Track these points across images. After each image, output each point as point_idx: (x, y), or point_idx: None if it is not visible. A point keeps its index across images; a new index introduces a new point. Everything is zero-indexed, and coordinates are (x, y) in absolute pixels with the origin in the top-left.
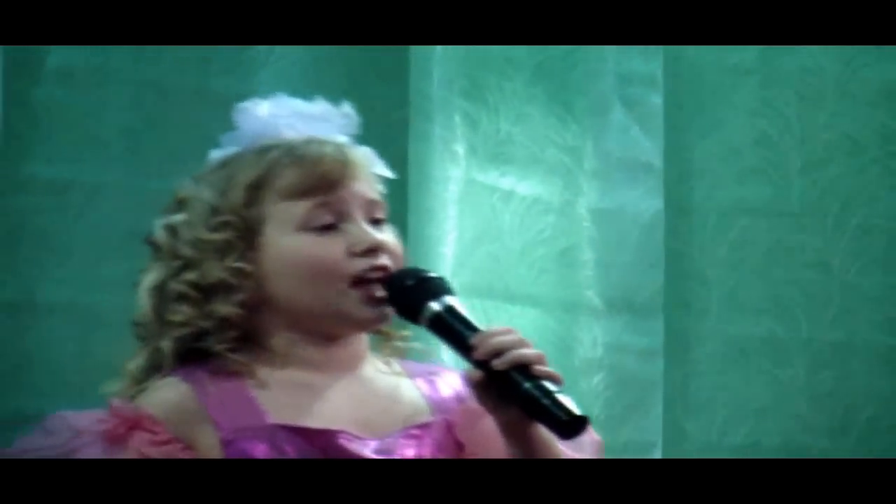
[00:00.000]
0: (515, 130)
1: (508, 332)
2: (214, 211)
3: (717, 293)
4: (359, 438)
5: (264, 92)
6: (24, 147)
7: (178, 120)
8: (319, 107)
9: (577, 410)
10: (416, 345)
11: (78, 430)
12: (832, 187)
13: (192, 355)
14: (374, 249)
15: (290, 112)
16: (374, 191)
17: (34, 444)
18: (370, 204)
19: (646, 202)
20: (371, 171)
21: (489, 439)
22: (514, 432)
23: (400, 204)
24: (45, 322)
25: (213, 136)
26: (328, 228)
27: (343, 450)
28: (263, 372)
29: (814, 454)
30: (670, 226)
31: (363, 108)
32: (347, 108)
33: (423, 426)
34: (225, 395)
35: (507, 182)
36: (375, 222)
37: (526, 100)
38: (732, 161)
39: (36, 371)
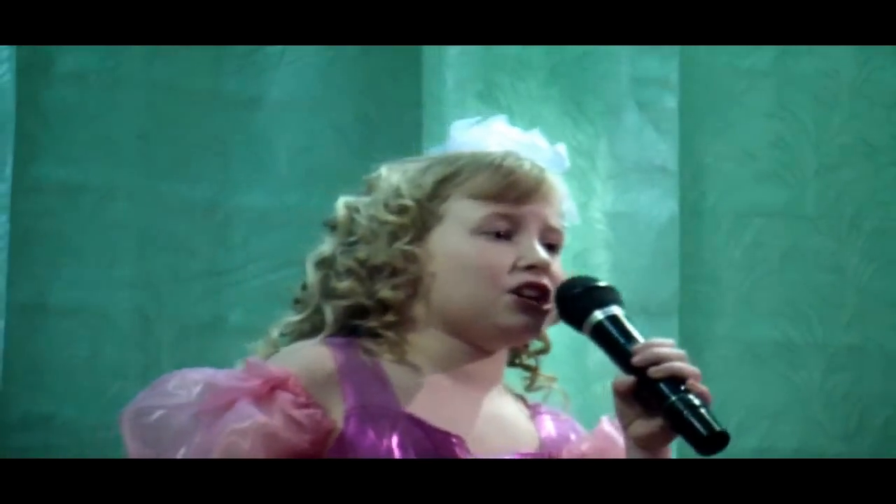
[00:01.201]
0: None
1: (671, 344)
2: (397, 194)
3: (732, 296)
4: (468, 452)
5: (276, 94)
6: (36, 149)
7: (190, 121)
8: (533, 136)
9: (718, 427)
10: (558, 386)
11: (220, 387)
12: (847, 190)
13: (342, 332)
14: (540, 267)
15: (504, 134)
16: (558, 220)
17: (169, 400)
18: (549, 229)
19: (660, 205)
20: (562, 200)
21: None
22: (648, 446)
23: None
24: (56, 323)
25: (226, 138)
26: (501, 237)
27: (454, 456)
28: (406, 361)
29: (829, 458)
30: (685, 228)
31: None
32: (561, 146)
33: (529, 455)
34: (362, 369)
35: None
36: (549, 248)
37: (540, 102)
38: (747, 164)
39: (47, 372)
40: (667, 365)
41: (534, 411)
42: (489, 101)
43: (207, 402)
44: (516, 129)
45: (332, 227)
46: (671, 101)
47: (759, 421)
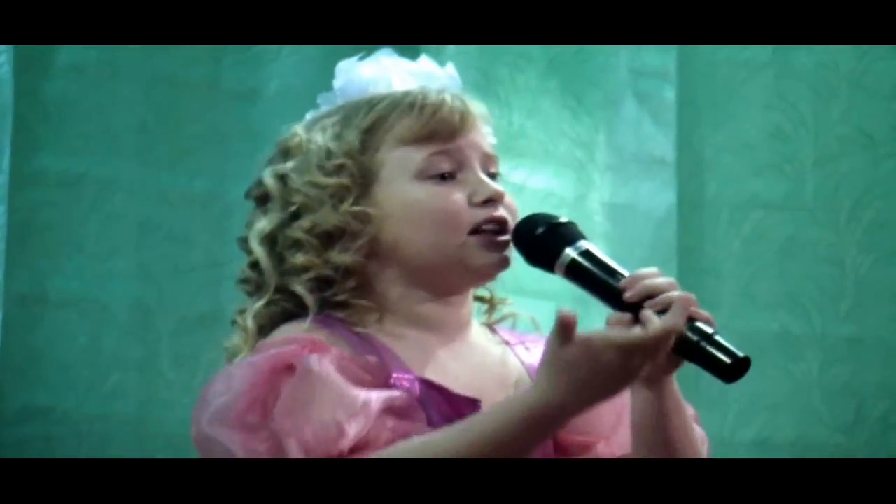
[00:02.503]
0: (528, 124)
1: (658, 273)
2: (328, 155)
3: (731, 288)
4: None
5: (275, 86)
6: (35, 141)
7: (189, 114)
8: (425, 65)
9: (739, 353)
10: (524, 313)
11: (262, 369)
12: (846, 181)
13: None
14: (494, 200)
15: (398, 68)
16: (490, 144)
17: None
18: (486, 156)
19: (659, 196)
20: (487, 123)
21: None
22: (653, 380)
23: None
24: (55, 315)
25: (225, 130)
26: (446, 177)
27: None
28: (386, 326)
29: (827, 449)
30: (683, 220)
31: None
32: (451, 67)
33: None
34: (364, 344)
35: (519, 175)
36: (491, 176)
37: (538, 93)
38: (746, 155)
39: (47, 364)
40: (664, 296)
41: (509, 340)
42: (488, 93)
43: (264, 383)
44: (404, 59)
45: (262, 199)
46: (670, 93)
47: (758, 412)
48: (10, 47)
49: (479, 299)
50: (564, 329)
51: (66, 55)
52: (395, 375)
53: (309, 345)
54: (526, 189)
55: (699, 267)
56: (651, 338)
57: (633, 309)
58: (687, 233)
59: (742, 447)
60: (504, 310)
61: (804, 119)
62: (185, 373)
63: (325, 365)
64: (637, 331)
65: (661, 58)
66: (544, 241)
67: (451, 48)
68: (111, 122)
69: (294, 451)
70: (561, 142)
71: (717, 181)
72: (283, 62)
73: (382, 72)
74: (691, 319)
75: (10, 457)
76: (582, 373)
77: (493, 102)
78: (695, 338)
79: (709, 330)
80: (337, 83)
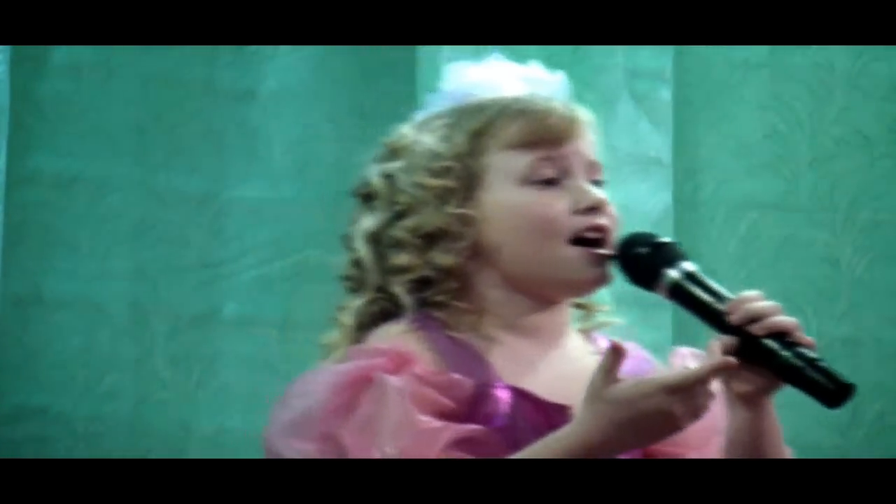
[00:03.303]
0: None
1: (762, 297)
2: (436, 157)
3: (726, 287)
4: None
5: (271, 85)
6: (30, 141)
7: (184, 113)
8: (535, 70)
9: (843, 379)
10: (616, 320)
11: (346, 377)
12: (842, 182)
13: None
14: (597, 208)
15: (508, 72)
16: (595, 153)
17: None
18: (591, 165)
19: (654, 197)
20: (594, 132)
21: None
22: (753, 401)
23: None
24: (50, 316)
25: (220, 130)
26: (550, 183)
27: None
28: (482, 329)
29: (823, 449)
30: (679, 220)
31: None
32: (561, 74)
33: None
34: (454, 348)
35: None
36: (595, 184)
37: None
38: (742, 155)
39: (41, 364)
40: (769, 321)
41: (598, 347)
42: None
43: (341, 394)
44: (514, 64)
45: (367, 198)
46: (666, 93)
47: None
48: (6, 47)
49: (577, 305)
50: (612, 363)
51: (62, 55)
52: (483, 385)
53: (395, 359)
54: None
55: None
56: (693, 377)
57: (737, 332)
58: (683, 233)
59: None
60: (601, 317)
61: (800, 119)
62: (179, 373)
63: (400, 387)
64: (681, 371)
65: (657, 58)
66: (647, 261)
67: (447, 48)
68: (106, 122)
69: None
70: None
71: (713, 181)
72: (279, 62)
73: (492, 76)
74: (795, 344)
75: (5, 457)
76: (627, 414)
77: None
78: (798, 363)
79: (812, 355)
80: (446, 86)
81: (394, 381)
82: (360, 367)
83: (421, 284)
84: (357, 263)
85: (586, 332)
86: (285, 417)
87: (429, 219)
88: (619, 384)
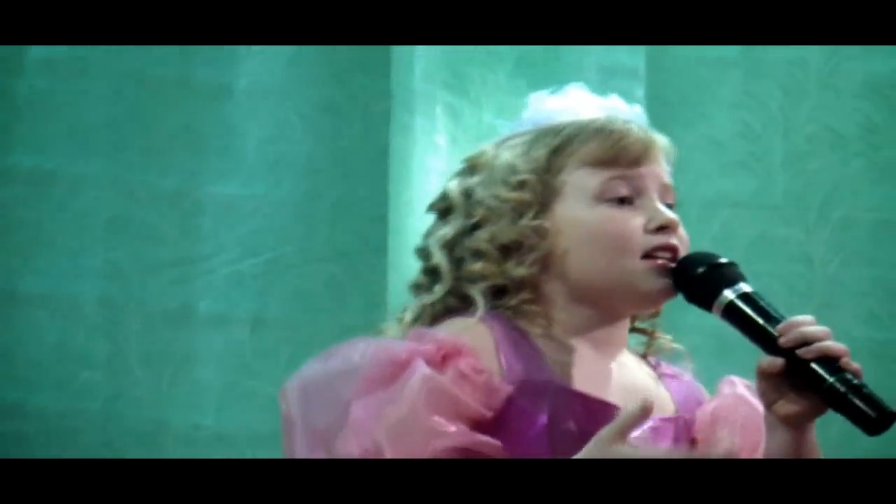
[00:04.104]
0: (498, 122)
1: (814, 321)
2: (514, 171)
3: None
4: None
5: (245, 83)
6: (5, 138)
7: (159, 111)
8: (614, 101)
9: (887, 407)
10: (678, 346)
11: (392, 351)
12: (815, 180)
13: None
14: (669, 227)
15: (588, 101)
16: (669, 177)
17: (337, 366)
18: (665, 187)
19: None
20: (669, 158)
21: (722, 442)
22: (796, 424)
23: (381, 195)
24: (25, 312)
25: (195, 127)
26: (623, 202)
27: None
28: (548, 332)
29: None
30: None
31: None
32: (639, 107)
33: (669, 420)
34: (517, 344)
35: None
36: (667, 206)
37: (508, 92)
38: (715, 153)
39: (16, 360)
40: (818, 345)
41: (658, 371)
42: (458, 91)
43: (377, 367)
44: (594, 95)
45: (444, 212)
46: (639, 91)
47: None
48: None
49: (640, 331)
50: (629, 422)
51: (37, 52)
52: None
53: (446, 349)
54: None
55: None
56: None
57: (786, 354)
58: None
59: None
60: (663, 343)
61: (773, 117)
62: (153, 370)
63: (423, 381)
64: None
65: (630, 56)
66: (704, 280)
67: (420, 47)
68: (81, 119)
69: (342, 446)
70: None
71: (685, 179)
72: (253, 60)
73: (572, 104)
74: (841, 370)
75: None
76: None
77: (464, 101)
78: (843, 388)
79: (857, 381)
80: (527, 113)
81: (421, 373)
82: (407, 348)
83: (494, 294)
84: (431, 271)
85: (643, 355)
86: (313, 374)
87: (504, 230)
88: (625, 444)
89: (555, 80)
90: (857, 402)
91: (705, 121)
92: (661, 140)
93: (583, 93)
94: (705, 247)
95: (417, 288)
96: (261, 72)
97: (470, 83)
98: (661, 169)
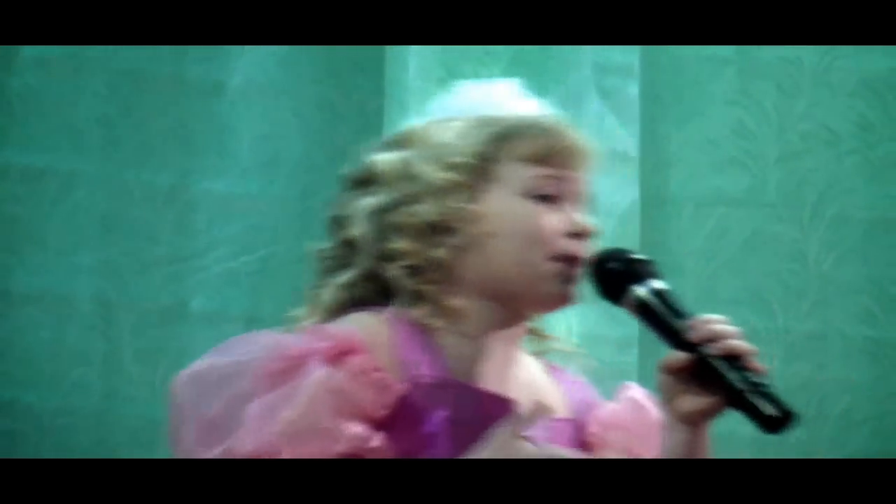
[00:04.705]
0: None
1: (725, 321)
2: (452, 150)
3: (693, 283)
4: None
5: (239, 80)
6: None
7: (153, 108)
8: (536, 104)
9: (786, 406)
10: (566, 348)
11: (288, 347)
12: (809, 178)
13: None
14: (585, 235)
15: (511, 94)
16: (588, 190)
17: (231, 360)
18: (584, 195)
19: (622, 192)
20: (592, 171)
21: (615, 447)
22: (693, 422)
23: None
24: (18, 310)
25: (189, 124)
26: (548, 200)
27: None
28: (451, 326)
29: (787, 445)
30: (646, 216)
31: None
32: (551, 105)
33: (565, 420)
34: (417, 342)
35: None
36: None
37: None
38: (709, 151)
39: (9, 358)
40: (725, 343)
41: (551, 372)
42: (452, 89)
43: (272, 363)
44: (519, 91)
45: (363, 182)
46: (633, 89)
47: None
48: None
49: (535, 332)
50: (524, 423)
51: (30, 49)
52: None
53: (340, 346)
54: None
55: (662, 262)
56: None
57: (693, 351)
58: (650, 228)
59: None
60: (551, 344)
61: (767, 115)
62: (147, 367)
63: (319, 383)
64: None
65: (624, 54)
66: (618, 276)
67: (414, 47)
68: (75, 116)
69: (238, 445)
70: None
71: (680, 177)
72: (247, 57)
73: (496, 94)
74: (746, 368)
75: None
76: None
77: None
78: (744, 387)
79: (759, 380)
80: (451, 100)
81: (317, 373)
82: (302, 346)
83: (409, 273)
84: (349, 244)
85: (534, 354)
86: (205, 367)
87: (431, 209)
88: (525, 442)
89: (549, 77)
90: (758, 400)
91: (700, 118)
92: (593, 147)
93: (512, 88)
94: (700, 245)
95: (329, 259)
96: (255, 69)
97: (464, 80)
98: (585, 177)
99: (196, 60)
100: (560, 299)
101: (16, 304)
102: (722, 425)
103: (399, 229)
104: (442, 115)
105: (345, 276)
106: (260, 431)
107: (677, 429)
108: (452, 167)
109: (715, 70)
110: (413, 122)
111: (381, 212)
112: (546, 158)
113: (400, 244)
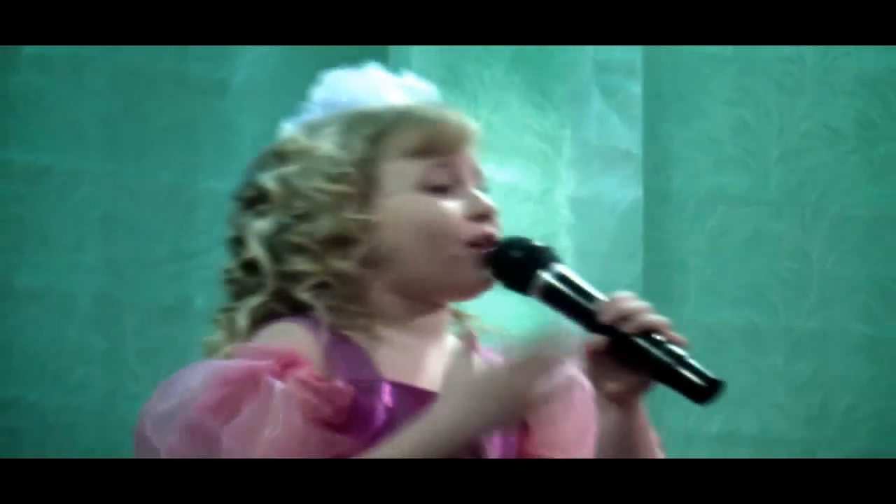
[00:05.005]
0: (494, 118)
1: (634, 298)
2: (334, 162)
3: (696, 282)
4: None
5: (241, 78)
6: (0, 133)
7: (155, 106)
8: (409, 80)
9: (712, 375)
10: (489, 327)
11: (231, 375)
12: (810, 176)
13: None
14: (488, 216)
15: (385, 81)
16: (479, 162)
17: (176, 401)
18: (477, 173)
19: (624, 190)
20: (479, 143)
21: (557, 429)
22: (624, 401)
23: None
24: (21, 308)
25: (191, 122)
26: (443, 190)
27: None
28: (370, 330)
29: (791, 443)
30: (649, 214)
31: None
32: (433, 86)
33: None
34: (340, 347)
35: (485, 170)
36: (480, 191)
37: (504, 87)
38: (711, 149)
39: (12, 356)
40: (640, 319)
41: (481, 353)
42: (454, 87)
43: (219, 391)
44: (389, 74)
45: (255, 201)
46: (636, 87)
47: (722, 406)
48: None
49: (454, 314)
50: (466, 350)
51: (32, 47)
52: (364, 383)
53: (282, 360)
54: (492, 183)
55: (664, 261)
56: (531, 350)
57: (609, 332)
58: (652, 226)
59: (706, 441)
60: (477, 325)
61: (769, 114)
62: (150, 365)
63: (288, 394)
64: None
65: (626, 52)
66: (520, 264)
67: (416, 47)
68: (77, 114)
69: None
70: (527, 136)
71: (682, 175)
72: (249, 55)
73: (371, 83)
74: (665, 342)
75: None
76: (480, 391)
77: (460, 97)
78: (668, 360)
79: (681, 352)
80: (323, 92)
81: (281, 387)
82: (247, 367)
83: (317, 289)
84: (249, 266)
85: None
86: (160, 407)
87: (327, 224)
88: (472, 370)
89: (551, 76)
90: (684, 371)
91: (701, 117)
92: (472, 125)
93: (379, 72)
94: (702, 243)
95: (233, 283)
96: (257, 67)
97: (466, 79)
98: (474, 154)
99: (198, 59)
100: (480, 285)
101: (18, 302)
102: (723, 424)
103: (297, 250)
104: (316, 115)
105: (255, 301)
106: (244, 455)
107: (610, 410)
108: (337, 179)
109: (716, 68)
110: (289, 130)
111: (274, 234)
112: (428, 149)
113: (301, 265)
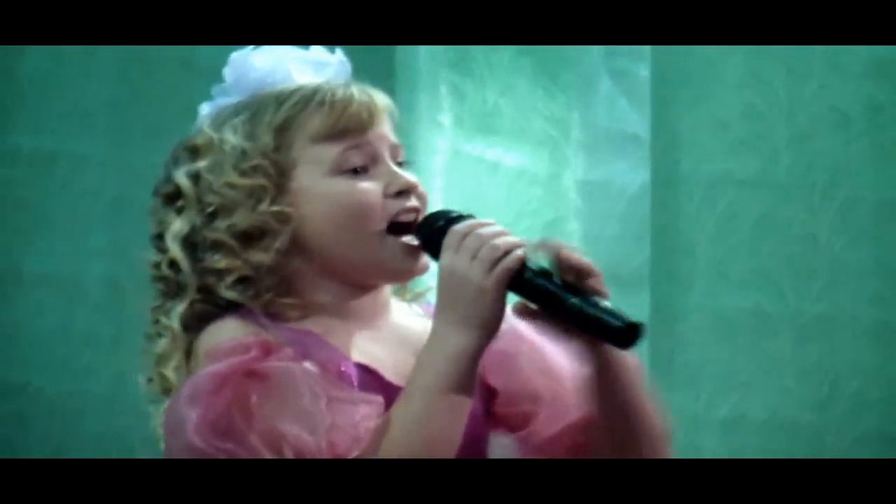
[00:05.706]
0: (502, 102)
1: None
2: (243, 155)
3: (704, 265)
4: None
5: None
6: (8, 118)
7: (163, 91)
8: (316, 53)
9: (629, 317)
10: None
11: (225, 370)
12: (819, 160)
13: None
14: (408, 191)
15: (291, 57)
16: (394, 135)
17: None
18: (394, 147)
19: (632, 174)
20: (391, 115)
21: (522, 380)
22: (585, 354)
23: None
24: (28, 293)
25: (198, 107)
26: (360, 171)
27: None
28: (310, 319)
29: (800, 427)
30: (657, 198)
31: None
32: (340, 54)
33: None
34: (298, 336)
35: (494, 154)
36: (399, 165)
37: (513, 71)
38: (720, 133)
39: (20, 341)
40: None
41: (427, 311)
42: (462, 70)
43: (222, 396)
44: (296, 48)
45: (172, 197)
46: (644, 71)
47: (731, 390)
48: None
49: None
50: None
51: None
52: (343, 363)
53: (264, 348)
54: (500, 167)
55: (672, 244)
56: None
57: (526, 291)
58: (660, 210)
59: (715, 424)
60: (418, 287)
61: (778, 97)
62: None
63: (298, 369)
64: None
65: None
66: (440, 233)
67: (424, 47)
68: (85, 99)
69: (289, 455)
70: (535, 119)
71: (690, 159)
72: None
73: (277, 62)
74: (583, 291)
75: None
76: (445, 298)
77: (468, 80)
78: (585, 307)
79: (596, 299)
80: (231, 75)
81: (300, 370)
82: (242, 362)
83: (241, 284)
84: (172, 265)
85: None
86: (192, 425)
87: (243, 218)
88: None
89: (559, 59)
90: (602, 316)
91: (710, 100)
92: (381, 99)
93: (285, 49)
94: (711, 227)
95: (161, 281)
96: None
97: (474, 62)
98: (388, 129)
99: (205, 45)
100: (412, 273)
101: (26, 286)
102: (732, 408)
103: (214, 246)
104: (226, 99)
105: (184, 303)
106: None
107: (584, 359)
108: (248, 172)
109: (725, 52)
110: (196, 125)
111: (191, 232)
112: (339, 132)
113: (220, 262)
